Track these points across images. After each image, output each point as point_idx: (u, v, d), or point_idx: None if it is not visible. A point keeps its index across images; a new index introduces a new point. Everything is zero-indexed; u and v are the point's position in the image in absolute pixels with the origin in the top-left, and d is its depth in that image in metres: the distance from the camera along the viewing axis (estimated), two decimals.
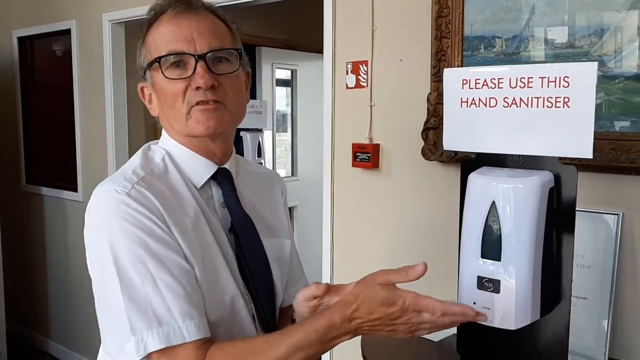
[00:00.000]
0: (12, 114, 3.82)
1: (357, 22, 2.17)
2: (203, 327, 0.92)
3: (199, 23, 1.01)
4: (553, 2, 1.71)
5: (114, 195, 0.94)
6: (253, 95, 4.04)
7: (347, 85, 2.22)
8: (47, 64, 3.76)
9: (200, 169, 1.06)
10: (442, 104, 1.89)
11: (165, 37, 1.00)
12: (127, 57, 3.20)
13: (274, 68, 4.10)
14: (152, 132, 3.53)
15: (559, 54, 1.70)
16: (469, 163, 1.27)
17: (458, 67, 1.87)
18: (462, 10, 1.86)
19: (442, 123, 1.90)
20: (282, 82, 4.26)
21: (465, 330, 1.35)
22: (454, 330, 1.82)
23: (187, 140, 1.06)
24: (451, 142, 1.29)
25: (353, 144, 2.19)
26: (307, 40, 4.34)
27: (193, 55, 0.99)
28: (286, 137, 4.29)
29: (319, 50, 4.30)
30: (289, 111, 4.35)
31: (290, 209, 4.35)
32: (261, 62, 4.01)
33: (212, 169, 1.07)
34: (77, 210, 3.48)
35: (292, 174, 4.40)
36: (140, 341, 0.89)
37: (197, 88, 0.98)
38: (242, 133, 3.77)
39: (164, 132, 1.11)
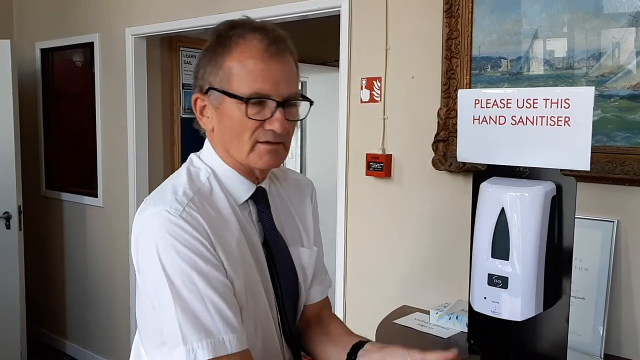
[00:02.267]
0: (34, 122, 3.98)
1: (371, 41, 2.34)
2: (243, 339, 1.01)
3: (285, 67, 1.05)
4: (554, 26, 1.88)
5: (167, 216, 1.00)
6: None
7: (361, 99, 2.39)
8: (67, 74, 3.92)
9: (242, 188, 1.13)
10: (451, 118, 2.06)
11: (254, 75, 1.02)
12: (148, 69, 3.36)
13: None
14: (170, 140, 3.69)
15: (560, 75, 1.87)
16: (480, 173, 1.43)
17: (467, 84, 2.04)
18: (471, 32, 2.03)
19: (451, 136, 2.07)
20: None
21: (476, 323, 1.49)
22: (462, 327, 1.98)
23: (235, 163, 1.12)
24: (464, 154, 1.44)
25: (367, 154, 2.35)
26: (317, 54, 4.50)
27: (276, 101, 1.03)
28: (292, 146, 4.46)
29: (328, 64, 4.48)
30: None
31: None
32: None
33: (252, 188, 1.14)
34: (97, 216, 3.63)
35: None
36: (191, 351, 0.97)
37: (269, 130, 1.04)
38: None
39: (209, 146, 1.15)
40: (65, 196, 3.82)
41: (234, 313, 1.01)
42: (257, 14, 2.74)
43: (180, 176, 1.12)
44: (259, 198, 1.15)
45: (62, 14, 3.72)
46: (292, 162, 4.45)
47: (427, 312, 2.12)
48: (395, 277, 2.35)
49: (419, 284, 2.28)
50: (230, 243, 1.05)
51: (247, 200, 1.14)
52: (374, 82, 2.33)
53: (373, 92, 2.33)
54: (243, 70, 1.03)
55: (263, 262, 1.13)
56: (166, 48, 3.63)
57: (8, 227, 3.45)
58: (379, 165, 2.28)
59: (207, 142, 1.16)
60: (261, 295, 1.11)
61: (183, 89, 3.74)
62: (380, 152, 2.31)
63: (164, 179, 3.72)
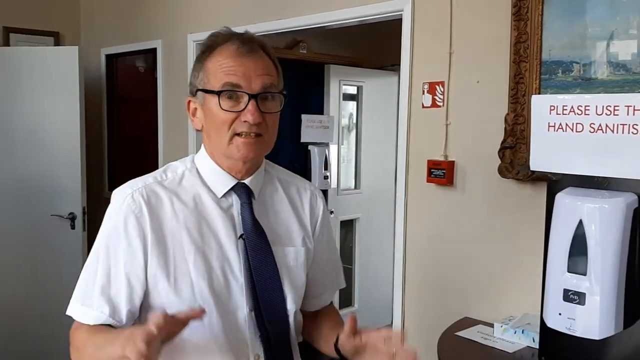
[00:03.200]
0: (98, 125, 4.12)
1: (434, 45, 2.29)
2: (104, 318, 1.13)
3: (256, 64, 1.16)
4: (630, 29, 1.78)
5: (116, 193, 1.17)
6: (320, 111, 4.20)
7: (423, 104, 2.34)
8: (130, 79, 4.04)
9: (221, 182, 1.20)
10: (519, 124, 1.99)
11: (227, 71, 1.13)
12: None
13: (341, 85, 4.25)
14: None
15: (638, 80, 1.77)
16: (555, 183, 1.36)
17: (536, 90, 1.96)
18: (541, 36, 1.95)
19: (519, 143, 2.00)
20: (347, 97, 4.41)
21: (548, 339, 1.43)
22: (527, 342, 1.90)
23: (218, 156, 1.20)
24: (538, 162, 1.38)
25: (428, 161, 2.30)
26: (373, 57, 4.47)
27: (248, 94, 1.13)
28: (345, 150, 4.42)
29: (385, 68, 4.45)
30: (350, 124, 4.49)
31: (351, 221, 4.47)
32: (329, 79, 4.16)
33: (231, 183, 1.20)
34: None
35: (355, 187, 4.53)
36: (72, 308, 1.16)
37: (245, 121, 1.12)
38: (309, 147, 3.94)
39: (202, 146, 1.25)
40: None
41: (115, 294, 1.13)
42: (318, 19, 2.74)
43: (162, 168, 1.25)
44: (241, 192, 1.21)
45: (127, 21, 3.83)
46: (345, 167, 4.42)
47: (491, 325, 2.05)
48: (456, 288, 2.29)
49: (481, 296, 2.22)
50: (178, 232, 1.14)
51: (230, 194, 1.20)
52: (437, 86, 2.28)
53: (435, 97, 2.28)
54: (217, 68, 1.14)
55: (233, 252, 1.17)
56: None
57: (73, 227, 3.57)
58: (441, 172, 2.23)
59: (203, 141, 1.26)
60: (218, 281, 1.15)
61: None
62: (442, 159, 2.26)
63: None
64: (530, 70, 1.98)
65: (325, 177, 3.99)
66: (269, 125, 1.17)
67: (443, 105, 2.27)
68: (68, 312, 1.16)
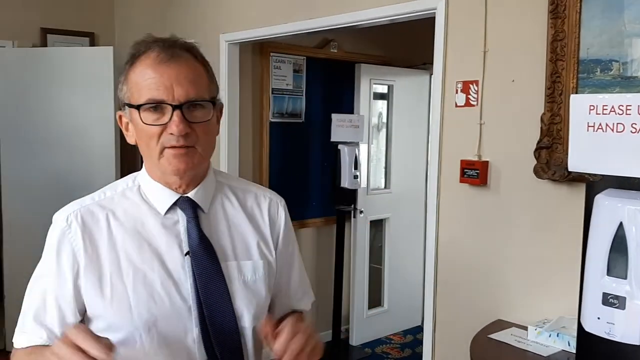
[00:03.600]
0: None
1: (468, 44, 2.26)
2: (41, 343, 1.09)
3: (179, 72, 1.06)
4: None
5: (54, 217, 1.13)
6: (350, 110, 4.19)
7: (456, 103, 2.31)
8: None
9: (163, 198, 1.13)
10: (556, 124, 1.96)
11: (146, 83, 1.06)
12: (240, 74, 3.45)
13: (372, 83, 4.23)
14: (259, 143, 3.76)
15: None
16: (594, 184, 1.33)
17: (573, 88, 1.92)
18: (579, 34, 1.91)
19: (555, 143, 1.96)
20: (377, 96, 4.39)
21: (586, 344, 1.39)
22: (563, 345, 1.86)
23: (154, 171, 1.13)
24: (576, 163, 1.35)
25: (461, 160, 2.27)
26: (403, 56, 4.44)
27: (170, 105, 1.05)
28: (374, 149, 4.40)
29: (415, 67, 4.41)
30: (380, 123, 4.47)
31: (381, 221, 4.45)
32: (360, 78, 4.15)
33: (173, 198, 1.13)
34: None
35: (385, 187, 4.51)
36: (15, 335, 1.13)
37: (171, 134, 1.05)
38: (339, 146, 3.93)
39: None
40: None
41: (52, 318, 1.09)
42: (349, 18, 2.74)
43: (107, 186, 1.20)
44: (185, 207, 1.13)
45: (159, 21, 3.89)
46: (374, 165, 4.41)
47: (525, 328, 2.02)
48: (489, 290, 2.26)
49: (514, 298, 2.18)
50: (115, 255, 1.09)
51: (175, 210, 1.13)
52: (471, 85, 2.25)
53: (469, 96, 2.26)
54: (139, 80, 1.08)
55: (179, 272, 1.10)
56: (257, 53, 3.70)
57: None
58: (475, 172, 2.20)
59: None
60: (162, 304, 1.08)
61: (273, 93, 3.80)
62: (475, 159, 2.23)
63: (253, 180, 3.79)
64: (567, 69, 1.94)
65: (355, 177, 3.98)
66: (200, 135, 1.08)
67: (477, 104, 2.24)
68: (13, 339, 1.14)
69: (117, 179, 3.63)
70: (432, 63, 2.42)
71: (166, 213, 1.13)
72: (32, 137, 3.65)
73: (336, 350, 4.07)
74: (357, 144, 4.00)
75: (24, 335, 1.11)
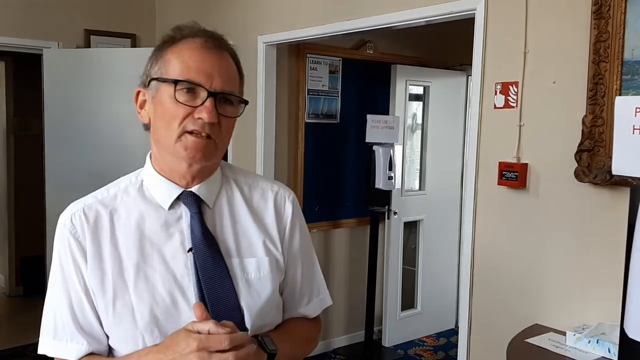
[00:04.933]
0: None
1: (508, 45, 2.24)
2: (82, 348, 1.05)
3: (220, 63, 1.06)
4: None
5: (60, 218, 1.10)
6: (386, 111, 4.19)
7: (495, 105, 2.29)
8: None
9: (165, 192, 1.10)
10: (598, 126, 1.92)
11: (188, 64, 1.04)
12: (277, 75, 3.49)
13: (408, 84, 4.22)
14: (295, 144, 3.79)
15: None
16: (638, 188, 1.31)
17: (616, 91, 1.89)
18: (623, 35, 1.88)
19: (597, 145, 1.93)
20: (411, 97, 4.38)
21: (630, 352, 1.37)
22: (603, 352, 1.83)
23: (162, 157, 1.10)
24: (620, 167, 1.33)
25: (500, 163, 2.25)
26: (440, 57, 4.42)
27: (207, 90, 1.03)
28: (408, 150, 4.39)
29: (452, 68, 4.38)
30: (414, 124, 4.45)
31: (415, 223, 4.44)
32: (396, 79, 4.15)
33: (176, 192, 1.09)
34: None
35: (420, 188, 4.48)
36: (43, 345, 1.08)
37: (199, 119, 1.02)
38: (374, 147, 3.93)
39: (148, 154, 1.16)
40: None
41: (84, 321, 1.05)
42: (386, 19, 2.74)
43: (111, 183, 1.17)
44: (189, 202, 1.09)
45: (200, 23, 3.95)
46: (408, 167, 4.38)
47: (563, 333, 1.99)
48: (526, 294, 2.23)
49: (553, 303, 2.15)
50: (117, 255, 1.06)
51: (178, 204, 1.10)
52: (510, 87, 2.23)
53: (508, 98, 2.23)
54: (179, 59, 1.05)
55: (181, 270, 1.06)
56: (294, 55, 3.73)
57: None
58: (513, 175, 2.18)
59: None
60: (164, 303, 1.04)
61: (308, 94, 3.83)
62: (514, 161, 2.21)
63: (288, 182, 3.81)
64: (610, 71, 1.90)
65: (390, 178, 3.97)
66: (223, 130, 1.06)
67: (516, 106, 2.21)
68: (41, 351, 1.08)
69: None
70: (469, 64, 2.40)
71: (170, 208, 1.09)
72: (75, 135, 3.76)
73: (368, 351, 4.07)
74: (391, 145, 4.00)
75: (64, 344, 1.05)
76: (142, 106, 1.12)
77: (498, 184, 2.26)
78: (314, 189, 3.94)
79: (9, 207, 5.20)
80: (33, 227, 4.50)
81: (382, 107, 4.20)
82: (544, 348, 1.93)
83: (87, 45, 4.03)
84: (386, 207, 4.13)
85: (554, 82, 2.10)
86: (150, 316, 1.02)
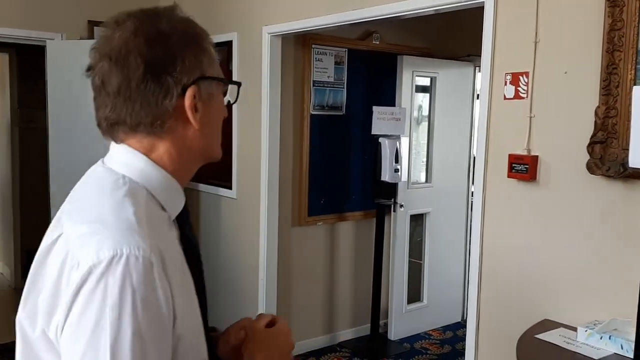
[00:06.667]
0: None
1: (518, 34, 2.19)
2: None
3: None
4: None
5: (133, 262, 0.74)
6: (392, 102, 4.14)
7: (504, 96, 2.25)
8: None
9: (177, 201, 0.92)
10: (611, 117, 1.87)
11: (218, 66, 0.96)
12: (282, 66, 3.45)
13: (414, 76, 4.16)
14: (300, 136, 3.75)
15: None
16: None
17: (631, 81, 1.84)
18: (638, 23, 1.83)
19: (610, 137, 1.88)
20: (418, 89, 4.32)
21: None
22: (615, 349, 1.80)
23: (175, 168, 0.90)
24: (637, 159, 1.29)
25: (509, 155, 2.20)
26: (447, 48, 4.36)
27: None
28: (413, 142, 4.34)
29: (459, 58, 4.32)
30: (420, 116, 4.40)
31: (422, 215, 4.40)
32: (402, 70, 4.09)
33: (183, 199, 0.94)
34: (231, 207, 3.80)
35: (426, 181, 4.44)
36: None
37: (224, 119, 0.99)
38: (380, 139, 3.89)
39: (131, 153, 0.89)
40: (202, 187, 4.03)
41: None
42: (394, 9, 2.69)
43: (116, 196, 0.83)
44: (184, 211, 0.94)
45: (204, 14, 3.91)
46: (413, 159, 4.34)
47: (574, 329, 1.96)
48: (535, 288, 2.19)
49: (563, 298, 2.11)
50: (179, 280, 0.82)
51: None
52: (520, 77, 2.18)
53: (519, 88, 2.19)
54: (214, 57, 0.94)
55: (193, 288, 0.90)
56: (299, 45, 3.69)
57: None
58: (523, 167, 2.13)
59: (123, 150, 0.90)
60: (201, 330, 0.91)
61: (314, 85, 3.78)
62: (524, 153, 2.16)
63: (293, 174, 3.75)
64: (625, 60, 1.85)
65: (396, 170, 3.93)
66: None
67: (527, 96, 2.17)
68: None
69: None
70: (476, 54, 2.35)
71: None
72: (79, 127, 3.73)
73: (374, 344, 4.04)
74: (398, 137, 3.95)
75: None
76: (196, 109, 0.89)
77: (508, 177, 2.22)
78: (319, 181, 3.91)
79: (14, 200, 5.19)
80: (38, 220, 4.49)
81: (388, 98, 4.15)
82: (554, 344, 1.90)
83: (91, 36, 3.99)
84: (392, 200, 4.09)
85: (565, 72, 2.05)
86: (194, 335, 0.89)
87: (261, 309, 3.55)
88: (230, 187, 3.76)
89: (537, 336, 1.96)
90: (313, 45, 3.74)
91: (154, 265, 0.75)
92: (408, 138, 4.19)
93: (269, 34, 3.35)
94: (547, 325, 2.06)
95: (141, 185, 0.87)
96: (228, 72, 3.72)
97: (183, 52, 0.89)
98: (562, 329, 2.02)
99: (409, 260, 4.33)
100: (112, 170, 0.89)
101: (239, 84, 0.98)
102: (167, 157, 0.89)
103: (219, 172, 3.91)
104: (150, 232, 0.79)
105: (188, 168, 0.93)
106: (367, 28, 3.95)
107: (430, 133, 4.39)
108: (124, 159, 0.89)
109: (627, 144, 1.54)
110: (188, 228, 0.94)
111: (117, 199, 0.82)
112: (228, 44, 3.70)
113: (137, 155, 0.89)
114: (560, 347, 1.88)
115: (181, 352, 0.81)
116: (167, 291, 0.77)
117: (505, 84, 2.24)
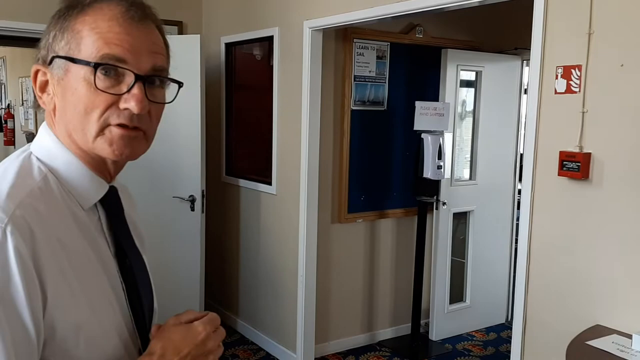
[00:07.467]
0: (217, 112, 4.26)
1: (571, 25, 2.08)
2: None
3: (148, 36, 0.87)
4: None
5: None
6: (435, 97, 4.05)
7: (555, 90, 2.14)
8: (247, 67, 4.13)
9: (91, 187, 0.88)
10: None
11: (107, 37, 0.83)
12: (323, 60, 3.40)
13: (459, 70, 4.05)
14: (340, 131, 3.71)
15: None
16: None
17: None
18: None
19: None
20: (462, 84, 4.21)
21: None
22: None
23: (82, 152, 0.88)
24: None
25: (560, 152, 2.11)
26: (493, 41, 4.23)
27: (134, 73, 0.84)
28: (457, 138, 4.23)
29: (505, 52, 4.19)
30: (463, 112, 4.28)
31: (465, 213, 4.29)
32: (446, 64, 3.99)
33: (104, 188, 0.90)
34: (271, 202, 3.79)
35: (470, 178, 4.32)
36: None
37: (125, 109, 0.84)
38: (423, 135, 3.80)
39: (46, 132, 0.89)
40: (243, 183, 4.04)
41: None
42: (437, 1, 2.61)
43: (7, 171, 0.83)
44: (111, 200, 0.92)
45: (246, 9, 3.91)
46: (457, 156, 4.23)
47: (629, 336, 1.85)
48: (587, 292, 2.09)
49: (617, 303, 2.00)
50: (67, 265, 0.80)
51: (95, 204, 0.90)
52: (573, 70, 2.07)
53: (571, 82, 2.08)
54: (94, 32, 0.83)
55: (117, 279, 0.89)
56: (340, 40, 3.64)
57: (192, 209, 3.73)
58: (575, 165, 2.03)
59: (43, 128, 0.90)
60: (120, 321, 0.89)
61: (355, 80, 3.73)
62: (576, 150, 2.06)
63: (333, 170, 3.72)
64: None
65: (439, 167, 3.85)
66: (153, 119, 0.89)
67: (579, 91, 2.06)
68: None
69: (202, 165, 3.73)
70: (524, 47, 2.26)
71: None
72: None
73: (415, 344, 3.97)
74: (441, 133, 3.86)
75: None
76: (43, 89, 0.88)
77: (558, 175, 2.12)
78: (359, 178, 3.86)
79: None
80: None
81: (432, 93, 4.06)
82: (607, 352, 1.80)
83: None
84: (435, 197, 4.00)
85: (621, 65, 1.94)
86: (99, 325, 0.88)
87: (300, 306, 3.53)
88: (270, 183, 3.75)
89: (588, 342, 1.86)
90: (354, 40, 3.68)
91: (8, 236, 0.74)
92: (451, 134, 4.09)
93: (310, 28, 3.31)
94: (599, 331, 1.96)
95: (45, 162, 0.86)
96: (269, 67, 3.72)
97: (49, 30, 0.87)
98: (615, 335, 1.91)
99: (452, 259, 4.24)
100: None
101: (93, 65, 0.82)
102: (62, 136, 0.88)
103: (258, 167, 3.91)
104: (26, 204, 0.78)
105: (83, 154, 0.88)
106: (410, 21, 3.87)
107: (475, 129, 4.28)
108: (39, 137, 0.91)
109: None
110: (117, 218, 0.93)
111: (6, 167, 0.84)
112: (269, 39, 3.68)
113: (47, 131, 0.90)
114: (614, 355, 1.79)
115: (61, 347, 0.79)
116: (27, 268, 0.74)
117: (557, 78, 2.14)
